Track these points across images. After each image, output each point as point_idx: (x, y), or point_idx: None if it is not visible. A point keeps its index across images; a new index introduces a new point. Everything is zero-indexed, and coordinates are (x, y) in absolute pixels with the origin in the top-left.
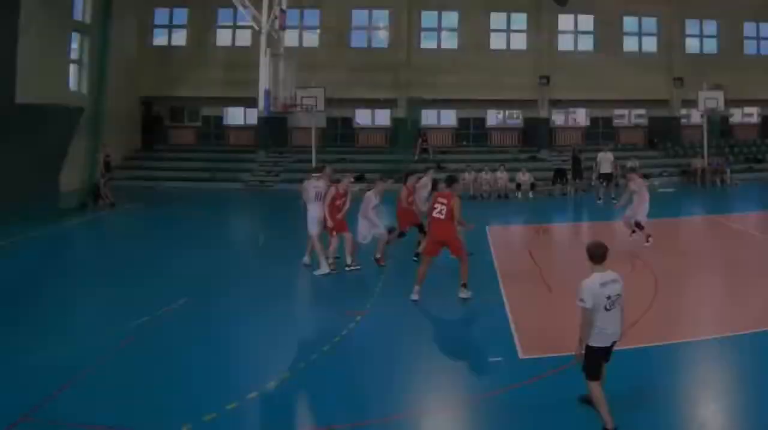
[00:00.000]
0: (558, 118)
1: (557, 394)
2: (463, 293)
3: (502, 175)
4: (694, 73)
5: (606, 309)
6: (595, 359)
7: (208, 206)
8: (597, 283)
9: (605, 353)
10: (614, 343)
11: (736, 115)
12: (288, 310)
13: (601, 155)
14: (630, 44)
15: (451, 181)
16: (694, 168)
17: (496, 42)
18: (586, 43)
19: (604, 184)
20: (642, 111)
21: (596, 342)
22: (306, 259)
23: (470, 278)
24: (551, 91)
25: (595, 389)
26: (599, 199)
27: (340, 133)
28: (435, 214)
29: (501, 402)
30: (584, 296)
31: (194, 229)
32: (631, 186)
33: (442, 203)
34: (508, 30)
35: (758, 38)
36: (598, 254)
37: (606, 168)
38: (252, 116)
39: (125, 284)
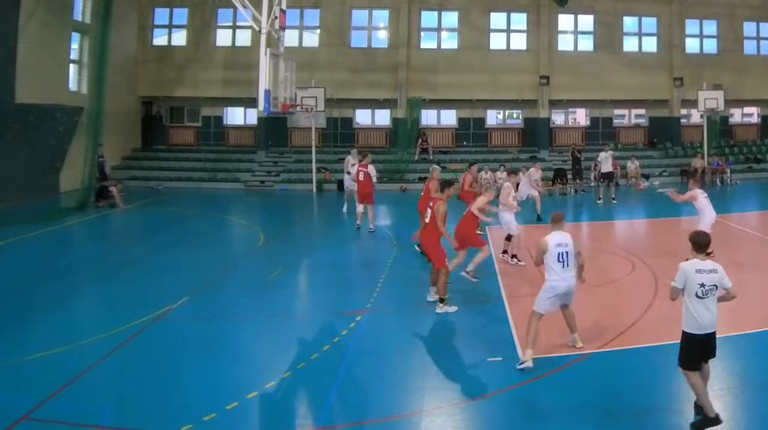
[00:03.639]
0: (558, 118)
1: (557, 394)
2: (439, 309)
3: (502, 176)
4: (694, 73)
5: (698, 296)
6: (688, 347)
7: (208, 206)
8: (693, 268)
9: (700, 344)
10: (711, 336)
11: (736, 115)
12: (288, 310)
13: (602, 155)
14: (630, 44)
15: (444, 185)
16: (694, 168)
17: (496, 42)
18: (586, 43)
19: (606, 183)
20: (642, 111)
21: (689, 328)
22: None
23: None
24: (551, 91)
25: (691, 378)
26: (599, 199)
27: (340, 133)
28: (426, 218)
29: (501, 402)
30: (678, 276)
31: (194, 228)
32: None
33: (430, 207)
34: (508, 30)
35: (758, 38)
36: (702, 243)
37: (607, 167)
38: (252, 116)
39: (125, 284)
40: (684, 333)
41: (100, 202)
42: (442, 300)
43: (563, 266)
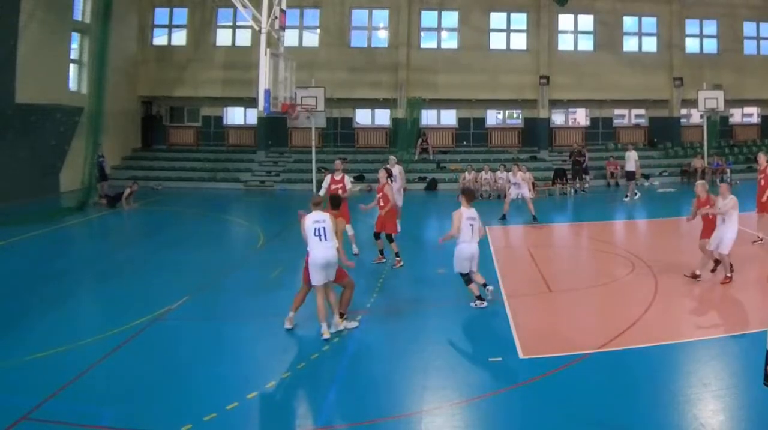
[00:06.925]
0: (558, 118)
1: (557, 394)
2: (337, 326)
3: (502, 175)
4: (694, 73)
5: None
6: None
7: (208, 206)
8: None
9: None
10: None
11: (736, 115)
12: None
13: (625, 154)
14: (630, 44)
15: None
16: (694, 168)
17: (496, 42)
18: (586, 43)
19: (616, 182)
20: (642, 111)
21: None
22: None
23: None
24: (551, 91)
25: None
26: (628, 196)
27: (340, 133)
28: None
29: (501, 402)
30: None
31: (194, 229)
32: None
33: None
34: (508, 30)
35: (758, 38)
36: None
37: (630, 166)
38: (252, 116)
39: (126, 284)
40: None
41: (108, 201)
42: (341, 314)
43: (320, 240)
